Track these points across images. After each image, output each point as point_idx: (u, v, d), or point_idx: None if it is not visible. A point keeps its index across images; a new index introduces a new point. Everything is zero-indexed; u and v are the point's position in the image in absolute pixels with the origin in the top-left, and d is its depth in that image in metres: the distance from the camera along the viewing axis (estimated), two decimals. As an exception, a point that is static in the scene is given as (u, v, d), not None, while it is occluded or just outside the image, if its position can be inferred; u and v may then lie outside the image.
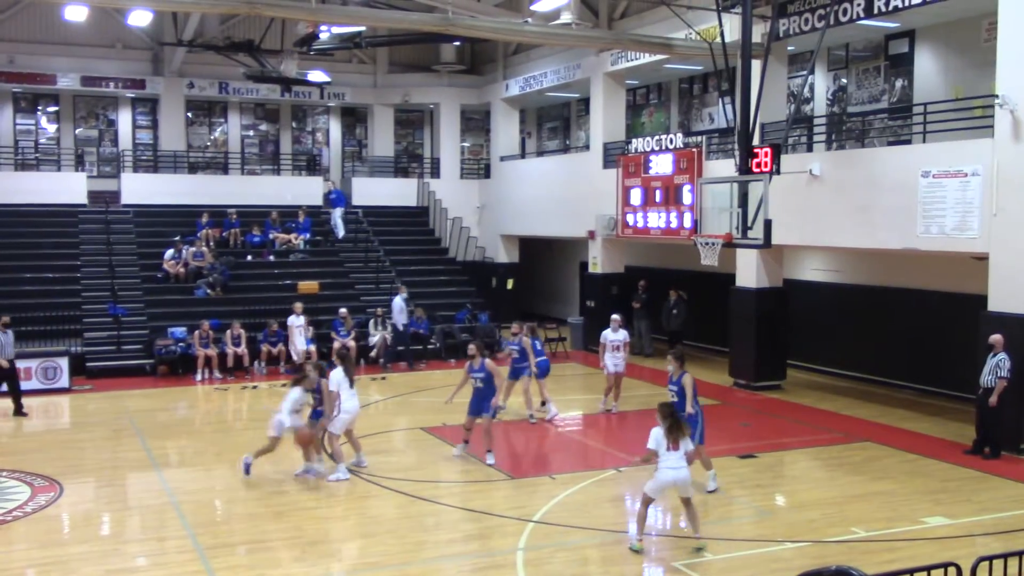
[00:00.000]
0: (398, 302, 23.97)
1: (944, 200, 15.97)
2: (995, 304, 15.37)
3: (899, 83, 20.82)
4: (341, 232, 28.92)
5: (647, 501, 10.69)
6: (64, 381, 20.27)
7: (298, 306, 22.65)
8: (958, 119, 16.87)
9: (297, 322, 22.24)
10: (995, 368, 14.52)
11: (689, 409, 12.58)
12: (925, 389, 19.90)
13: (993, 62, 15.50)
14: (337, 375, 13.58)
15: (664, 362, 14.42)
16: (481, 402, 14.36)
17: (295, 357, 21.56)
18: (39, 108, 30.27)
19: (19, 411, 17.96)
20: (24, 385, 18.70)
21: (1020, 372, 14.49)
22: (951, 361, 18.85)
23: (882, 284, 20.82)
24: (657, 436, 10.61)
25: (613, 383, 18.13)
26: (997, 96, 15.04)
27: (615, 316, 18.55)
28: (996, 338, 14.64)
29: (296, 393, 13.46)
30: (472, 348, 14.60)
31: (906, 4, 16.69)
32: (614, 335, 17.95)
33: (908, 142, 18.81)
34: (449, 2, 18.83)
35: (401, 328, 23.93)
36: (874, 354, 21.06)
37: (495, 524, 11.59)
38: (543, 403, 17.95)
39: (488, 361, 14.39)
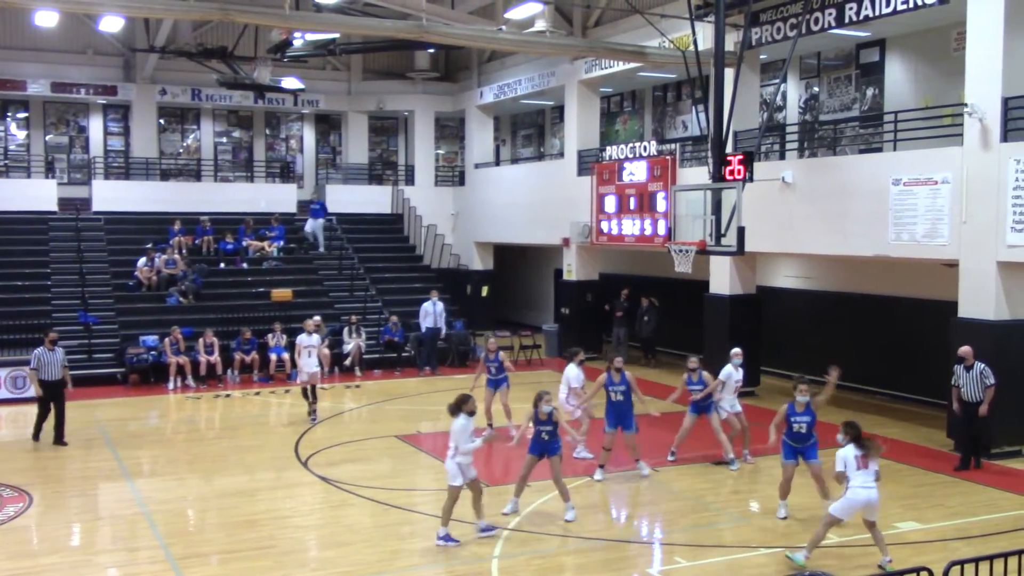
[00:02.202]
0: (427, 306, 24.39)
1: (915, 208, 16.13)
2: (965, 311, 15.54)
3: (870, 92, 21.02)
4: (322, 246, 28.81)
5: (834, 522, 10.36)
6: (33, 390, 19.96)
7: (310, 323, 18.92)
8: (928, 127, 17.06)
9: (308, 341, 18.26)
10: (978, 378, 14.24)
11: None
12: (897, 395, 20.07)
13: (962, 71, 15.69)
14: None
15: (640, 370, 14.51)
16: (623, 416, 13.86)
17: (303, 379, 18.33)
18: (8, 114, 29.96)
19: (60, 439, 16.10)
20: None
21: (998, 379, 14.57)
22: (922, 367, 19.01)
23: (854, 291, 20.98)
24: (846, 457, 10.17)
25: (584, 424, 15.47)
26: (966, 105, 15.23)
27: (579, 352, 15.72)
28: (966, 350, 14.39)
29: (463, 421, 11.08)
30: (619, 361, 14.00)
31: (877, 14, 16.84)
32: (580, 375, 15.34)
33: (879, 150, 19.00)
34: (423, 9, 18.80)
35: (424, 331, 24.33)
36: (846, 360, 21.03)
37: (470, 532, 11.55)
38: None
39: (628, 373, 13.93)
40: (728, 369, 14.66)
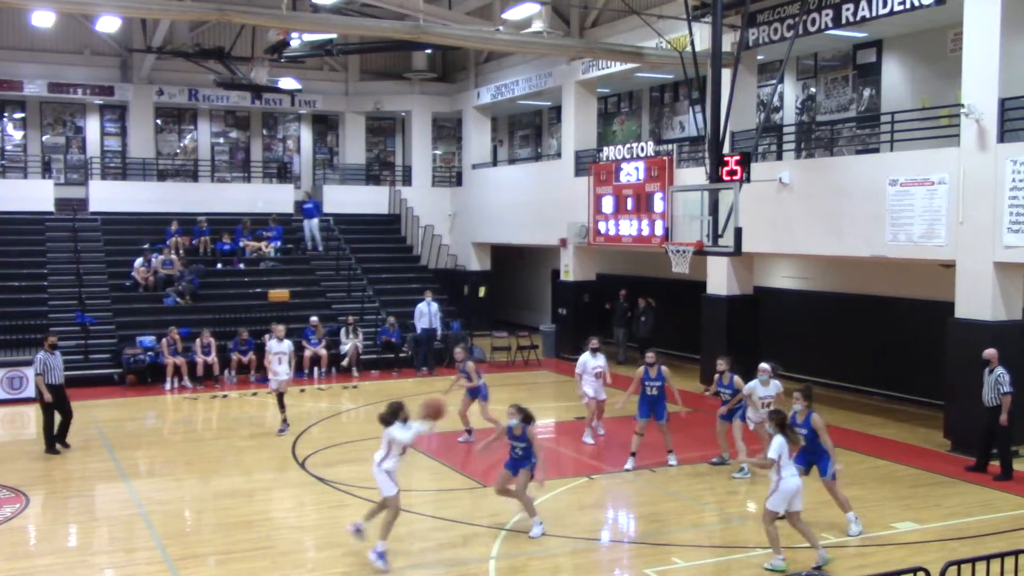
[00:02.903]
0: (421, 307, 24.33)
1: (912, 208, 16.14)
2: (962, 311, 15.56)
3: (867, 92, 21.05)
4: (320, 245, 28.79)
5: (773, 516, 10.38)
6: (30, 391, 19.96)
7: (280, 329, 17.68)
8: (925, 128, 17.08)
9: (278, 348, 17.32)
10: (996, 384, 13.96)
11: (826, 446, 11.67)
12: (894, 395, 20.08)
13: (959, 72, 15.70)
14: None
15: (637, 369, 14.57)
16: (656, 406, 14.50)
17: (273, 387, 17.40)
18: (5, 115, 29.93)
19: (62, 441, 15.89)
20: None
21: (980, 375, 14.54)
22: (919, 368, 19.04)
23: (851, 291, 20.99)
24: (782, 446, 10.26)
25: (595, 411, 16.55)
26: (963, 106, 15.24)
27: (593, 339, 16.69)
28: (991, 352, 14.09)
29: (399, 428, 10.72)
30: (651, 356, 14.61)
31: (874, 14, 16.86)
32: (595, 361, 16.23)
33: (876, 151, 19.01)
34: (421, 10, 18.80)
35: (419, 331, 24.31)
36: (844, 361, 21.23)
37: (467, 533, 11.55)
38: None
39: (664, 368, 14.44)
40: (753, 383, 13.88)
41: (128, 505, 12.82)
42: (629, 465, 14.51)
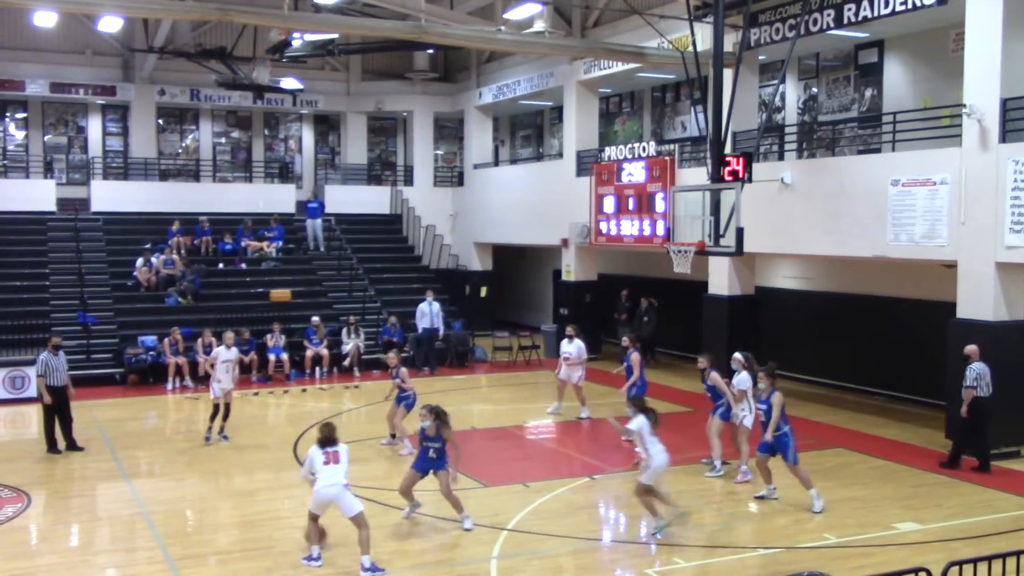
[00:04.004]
0: (423, 307, 24.38)
1: (913, 208, 16.13)
2: (964, 311, 15.55)
3: (868, 92, 21.04)
4: (322, 246, 28.80)
5: (647, 489, 11.34)
6: (32, 391, 19.95)
7: (229, 337, 17.24)
8: (926, 128, 17.07)
9: (226, 356, 16.69)
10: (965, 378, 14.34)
11: (769, 434, 12.42)
12: (895, 396, 20.07)
13: (961, 72, 15.70)
14: None
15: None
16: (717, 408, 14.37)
17: (217, 395, 16.38)
18: (7, 114, 29.95)
19: (73, 444, 15.80)
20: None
21: (997, 379, 14.61)
22: (921, 368, 19.02)
23: (853, 292, 20.98)
24: (643, 427, 11.28)
25: (561, 390, 18.72)
26: (964, 106, 15.23)
27: (569, 327, 19.03)
28: (971, 348, 14.41)
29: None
30: (703, 361, 14.43)
31: (875, 14, 16.85)
32: (567, 346, 18.47)
33: (878, 151, 19.00)
34: (422, 10, 18.81)
35: (421, 331, 24.37)
36: (845, 361, 21.22)
37: (469, 532, 11.55)
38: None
39: (715, 374, 14.20)
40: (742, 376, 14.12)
41: (129, 505, 12.83)
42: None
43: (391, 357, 16.38)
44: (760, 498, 13.00)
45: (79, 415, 16.46)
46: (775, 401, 12.31)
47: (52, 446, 15.70)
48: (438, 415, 11.57)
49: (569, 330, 18.81)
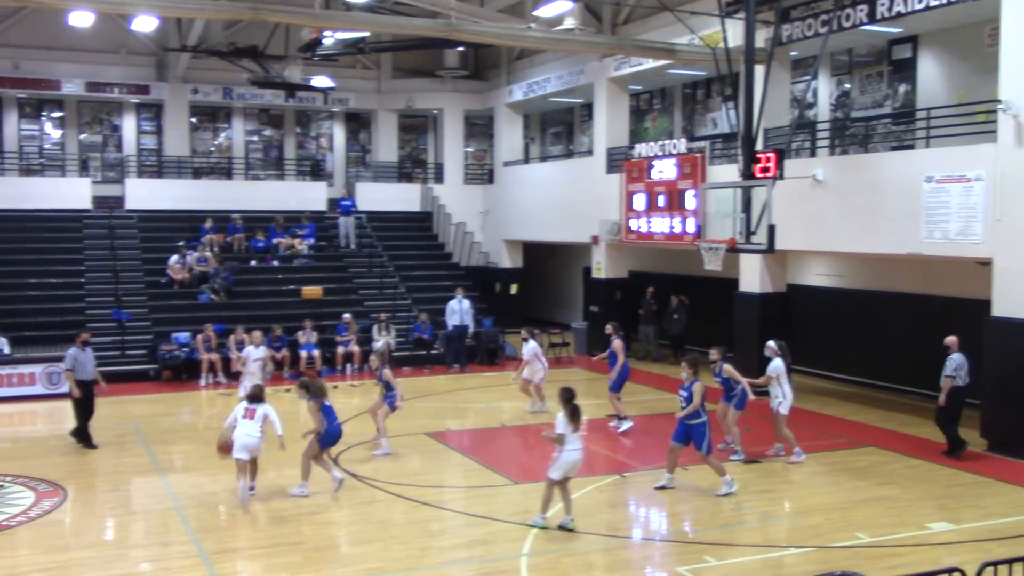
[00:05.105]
0: (453, 304, 24.48)
1: (948, 205, 15.96)
2: (999, 309, 15.37)
3: (902, 88, 20.82)
4: (353, 243, 28.94)
5: (552, 483, 11.41)
6: (70, 390, 20.20)
7: (257, 335, 17.92)
8: (961, 124, 16.85)
9: (256, 354, 17.51)
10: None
11: (690, 413, 12.93)
12: (929, 394, 19.81)
13: (996, 67, 15.50)
14: None
15: (671, 368, 14.45)
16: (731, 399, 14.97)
17: (243, 392, 16.25)
18: (43, 114, 30.33)
19: (87, 441, 15.95)
20: (28, 391, 18.51)
21: (1017, 374, 14.54)
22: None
23: (886, 289, 20.80)
24: (562, 420, 11.35)
25: (524, 388, 18.94)
26: (1000, 101, 15.05)
27: (523, 330, 19.51)
28: (951, 339, 15.04)
29: None
30: (715, 354, 14.92)
31: (909, 9, 16.69)
32: (525, 346, 18.79)
33: (911, 147, 18.78)
34: (453, 8, 18.85)
35: (451, 328, 24.45)
36: (878, 359, 21.03)
37: (499, 529, 11.59)
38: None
39: (727, 365, 14.72)
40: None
41: (163, 499, 12.99)
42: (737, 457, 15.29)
43: (373, 360, 16.32)
44: (660, 488, 13.25)
45: (113, 410, 16.66)
46: (696, 390, 12.84)
47: (87, 441, 15.89)
48: (309, 389, 12.97)
49: (524, 332, 19.21)
